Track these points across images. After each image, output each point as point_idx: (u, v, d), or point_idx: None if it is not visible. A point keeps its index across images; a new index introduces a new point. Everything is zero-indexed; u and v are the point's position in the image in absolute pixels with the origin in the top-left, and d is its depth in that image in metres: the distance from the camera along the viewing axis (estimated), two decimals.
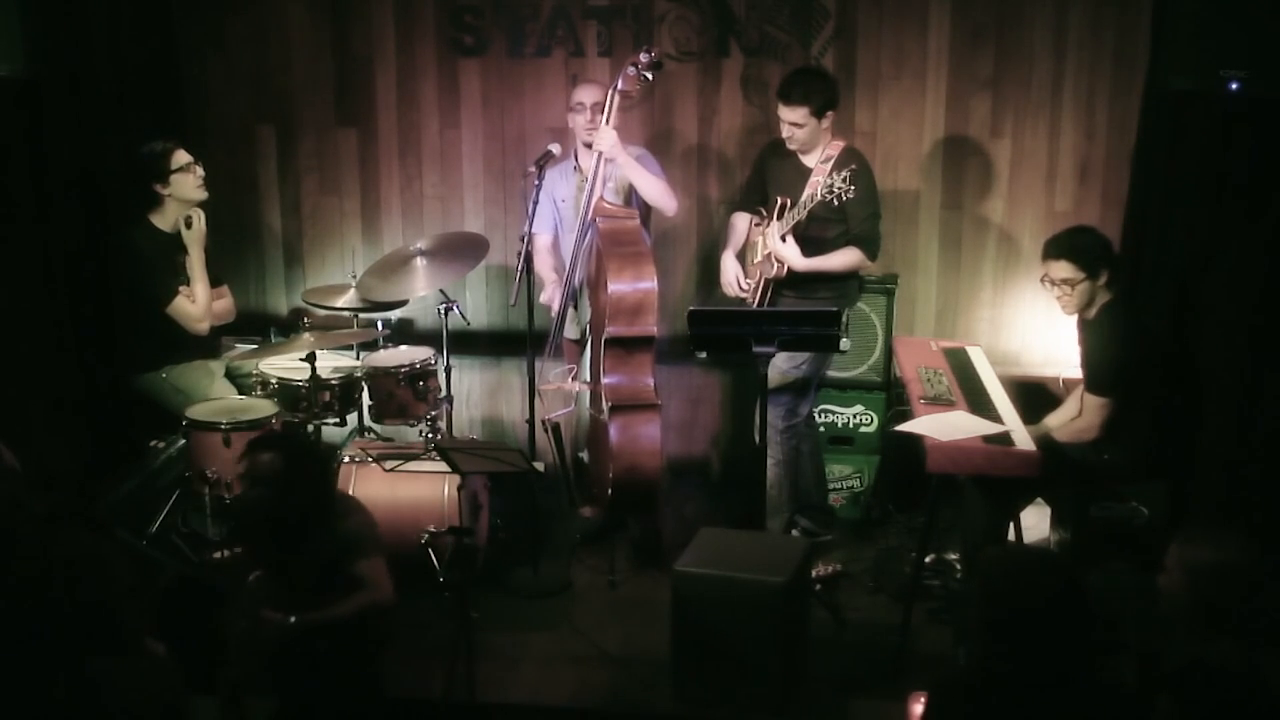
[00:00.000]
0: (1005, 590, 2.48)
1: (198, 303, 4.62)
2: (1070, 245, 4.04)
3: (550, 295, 4.82)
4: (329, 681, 3.38)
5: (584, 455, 4.94)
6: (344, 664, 3.41)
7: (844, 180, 4.24)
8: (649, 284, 4.43)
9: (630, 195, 4.77)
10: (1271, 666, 2.58)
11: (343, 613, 3.37)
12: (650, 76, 4.51)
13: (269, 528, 3.50)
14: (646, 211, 4.79)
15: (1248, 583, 2.65)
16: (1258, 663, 2.58)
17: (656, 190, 4.64)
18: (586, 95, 4.67)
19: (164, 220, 4.64)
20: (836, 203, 4.30)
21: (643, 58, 4.48)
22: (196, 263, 4.63)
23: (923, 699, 3.44)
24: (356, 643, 3.46)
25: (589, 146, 4.67)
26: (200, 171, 4.66)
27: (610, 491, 4.41)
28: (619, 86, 4.53)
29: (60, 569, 2.34)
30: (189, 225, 4.63)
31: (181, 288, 4.60)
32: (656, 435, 4.44)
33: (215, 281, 4.79)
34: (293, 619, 3.31)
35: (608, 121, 4.55)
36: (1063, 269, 4.02)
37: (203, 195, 4.69)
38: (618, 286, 4.39)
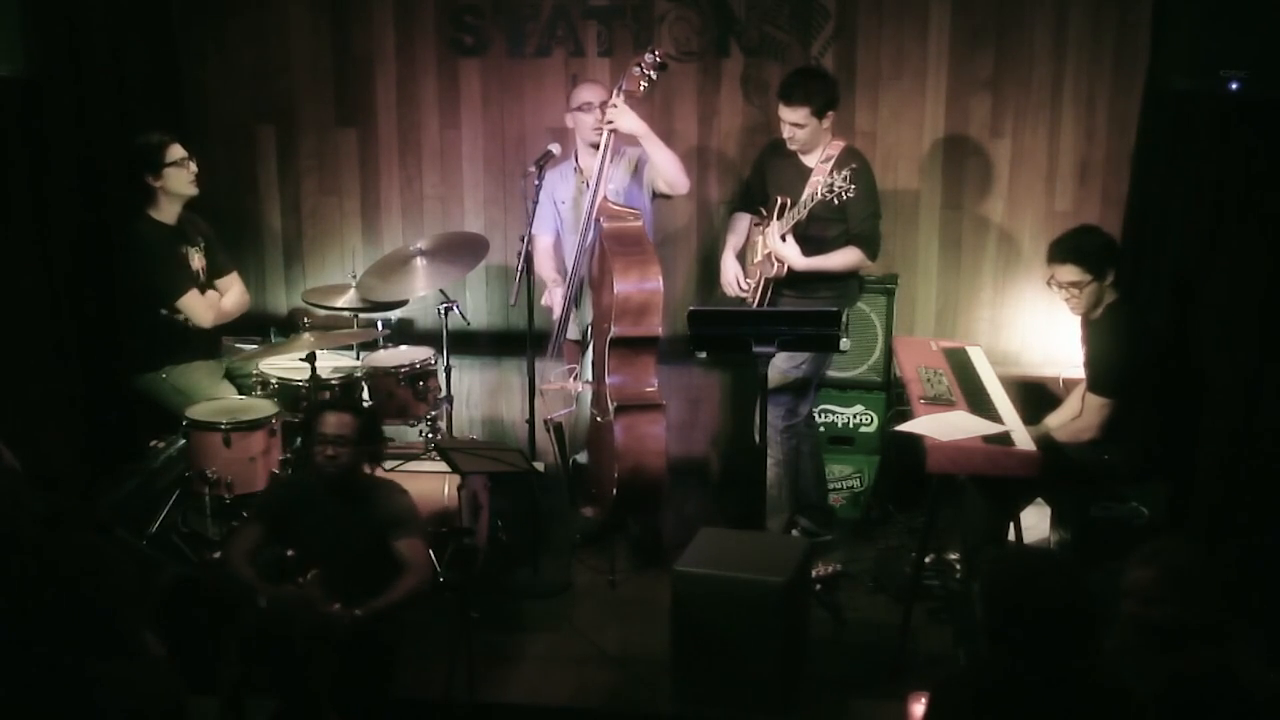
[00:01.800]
0: (1008, 591, 2.48)
1: (208, 297, 4.65)
2: (1075, 247, 4.04)
3: (551, 298, 4.81)
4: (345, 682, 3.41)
5: (581, 458, 4.94)
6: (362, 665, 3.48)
7: (844, 179, 4.24)
8: (654, 284, 4.43)
9: (628, 197, 4.76)
10: (1246, 671, 2.60)
11: (397, 598, 3.54)
12: (655, 76, 4.51)
13: (343, 485, 3.72)
14: (651, 203, 4.80)
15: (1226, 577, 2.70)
16: (1233, 668, 2.59)
17: (672, 165, 4.61)
18: (594, 94, 4.66)
19: (161, 213, 4.64)
20: (837, 202, 4.30)
21: (648, 58, 4.47)
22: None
23: (923, 699, 3.45)
24: (373, 645, 3.54)
25: (595, 147, 4.66)
26: (194, 168, 4.66)
27: (615, 492, 4.41)
28: (623, 87, 4.53)
29: (60, 569, 2.34)
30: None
31: (192, 289, 4.61)
32: (661, 435, 4.45)
33: (224, 270, 4.86)
34: (358, 612, 3.43)
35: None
36: (1070, 272, 4.01)
37: (193, 192, 4.69)
38: (623, 287, 4.39)
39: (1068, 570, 2.58)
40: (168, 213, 4.66)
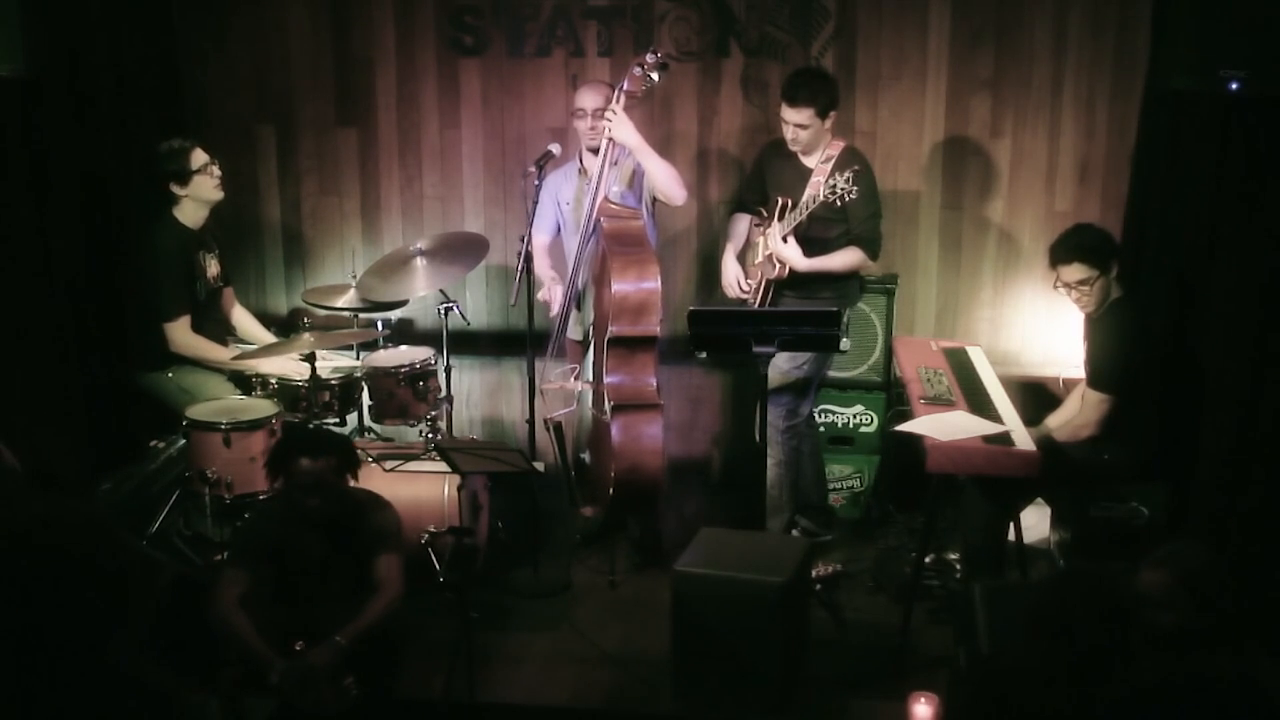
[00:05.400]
0: (1055, 615, 2.52)
1: (193, 342, 4.64)
2: (1078, 245, 4.06)
3: (550, 294, 4.81)
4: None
5: (585, 455, 4.94)
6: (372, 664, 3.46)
7: (847, 181, 4.23)
8: (652, 284, 4.43)
9: (627, 202, 4.75)
10: (1267, 674, 2.60)
11: (374, 618, 3.46)
12: (656, 77, 4.50)
13: (328, 527, 3.58)
14: (652, 211, 4.79)
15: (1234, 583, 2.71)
16: (1252, 671, 2.59)
17: (668, 177, 4.59)
18: (588, 100, 4.66)
19: (185, 216, 4.65)
20: (840, 204, 4.30)
21: (649, 58, 4.47)
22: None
23: (923, 699, 3.46)
24: (381, 643, 3.52)
25: (594, 151, 4.67)
26: (217, 172, 4.68)
27: (612, 491, 4.41)
28: (624, 87, 4.52)
29: (59, 565, 2.33)
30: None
31: (186, 315, 4.61)
32: (659, 435, 4.44)
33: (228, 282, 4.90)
34: (339, 639, 3.36)
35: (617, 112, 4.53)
36: (1076, 270, 4.03)
37: (219, 196, 4.71)
38: (621, 286, 4.39)
39: (1108, 587, 2.60)
40: (192, 216, 4.67)
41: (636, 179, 4.74)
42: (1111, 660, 2.46)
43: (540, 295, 4.80)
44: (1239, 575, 3.32)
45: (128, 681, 2.23)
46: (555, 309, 4.79)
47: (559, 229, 4.93)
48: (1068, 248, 4.07)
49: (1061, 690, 2.46)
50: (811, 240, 4.55)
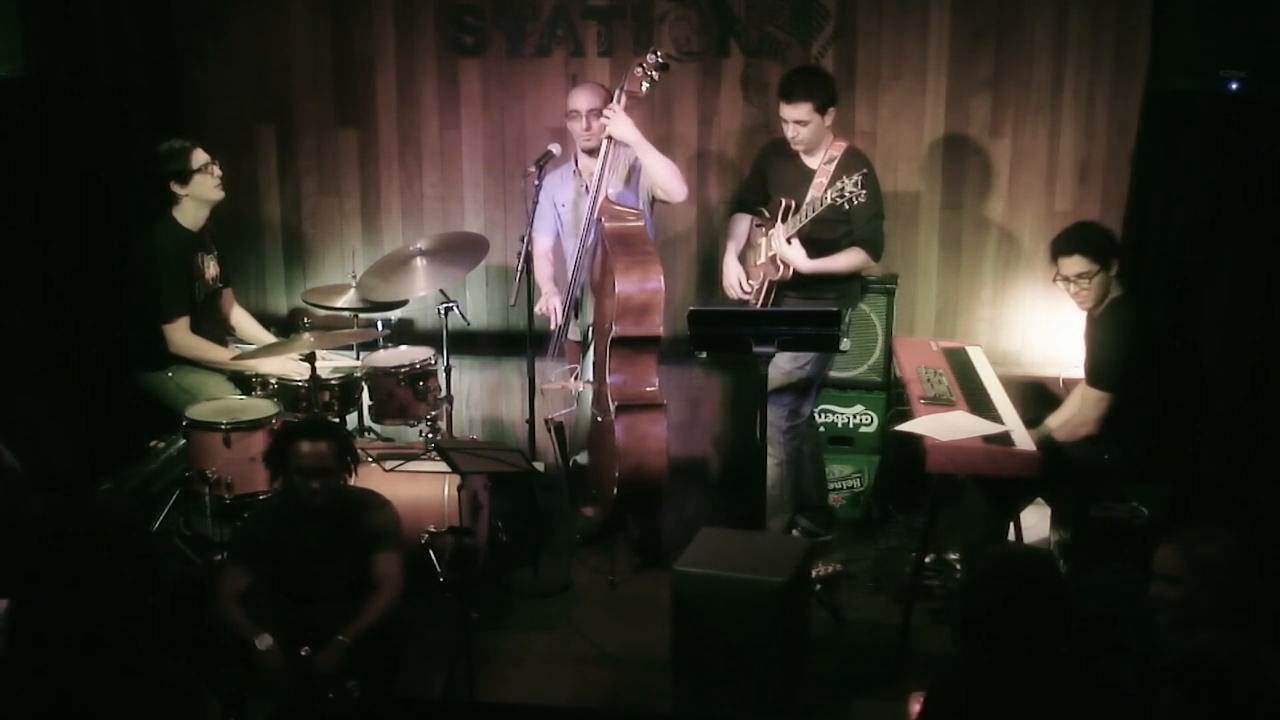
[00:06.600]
0: (982, 587, 2.51)
1: (192, 343, 4.64)
2: (1080, 239, 4.07)
3: (548, 306, 4.79)
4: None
5: (581, 459, 4.93)
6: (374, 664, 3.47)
7: (856, 185, 4.21)
8: (656, 284, 4.42)
9: (625, 201, 4.74)
10: (1270, 659, 2.60)
11: (375, 617, 3.48)
12: (656, 77, 4.50)
13: (326, 511, 3.62)
14: (650, 210, 4.79)
15: (1255, 572, 2.70)
16: (1257, 655, 2.59)
17: (668, 173, 4.58)
18: (582, 102, 4.65)
19: (185, 217, 4.66)
20: (848, 207, 4.29)
21: (650, 58, 4.48)
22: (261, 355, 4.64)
23: (923, 698, 3.46)
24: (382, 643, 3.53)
25: (589, 153, 4.66)
26: (218, 172, 4.68)
27: (616, 491, 4.41)
28: (625, 87, 4.52)
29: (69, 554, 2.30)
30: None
31: (184, 316, 4.61)
32: (663, 435, 4.45)
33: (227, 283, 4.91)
34: (343, 638, 3.36)
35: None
36: (1076, 263, 4.03)
37: (220, 195, 4.71)
38: (625, 287, 4.39)
39: (1037, 562, 2.59)
40: (191, 217, 4.67)
41: (634, 177, 4.74)
42: (1053, 645, 2.43)
43: (539, 309, 4.77)
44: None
45: (159, 674, 2.22)
46: (554, 321, 4.77)
47: (559, 231, 4.93)
48: (1069, 240, 4.08)
49: (1024, 683, 2.44)
50: (814, 241, 4.54)
